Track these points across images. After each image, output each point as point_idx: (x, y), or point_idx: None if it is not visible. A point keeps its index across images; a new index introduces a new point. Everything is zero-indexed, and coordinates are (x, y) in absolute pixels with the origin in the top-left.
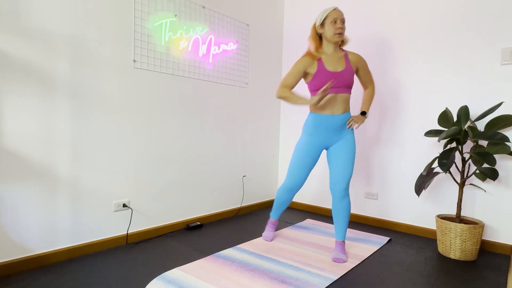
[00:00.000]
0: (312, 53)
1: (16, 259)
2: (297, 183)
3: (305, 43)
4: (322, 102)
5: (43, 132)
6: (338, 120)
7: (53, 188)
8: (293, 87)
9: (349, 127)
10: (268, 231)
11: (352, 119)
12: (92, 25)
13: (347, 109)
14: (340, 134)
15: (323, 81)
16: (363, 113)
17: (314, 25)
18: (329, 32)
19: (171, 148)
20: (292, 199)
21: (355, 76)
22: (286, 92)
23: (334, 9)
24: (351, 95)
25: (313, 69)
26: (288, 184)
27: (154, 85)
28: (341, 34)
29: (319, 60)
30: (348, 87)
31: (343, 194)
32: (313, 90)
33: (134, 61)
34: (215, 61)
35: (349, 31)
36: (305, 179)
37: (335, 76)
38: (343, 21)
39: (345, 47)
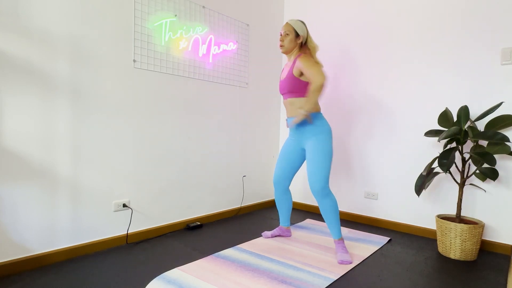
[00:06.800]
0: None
1: (16, 259)
2: (278, 175)
3: None
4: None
5: (43, 132)
6: (290, 122)
7: (53, 188)
8: None
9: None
10: (270, 231)
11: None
12: (92, 25)
13: (294, 113)
14: (303, 136)
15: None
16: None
17: None
18: None
19: (171, 148)
20: (283, 197)
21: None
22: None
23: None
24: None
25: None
26: (273, 177)
27: (154, 85)
28: (281, 46)
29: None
30: (290, 92)
31: (321, 194)
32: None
33: (134, 61)
34: (215, 61)
35: (349, 31)
36: (286, 173)
37: (280, 84)
38: (284, 34)
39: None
